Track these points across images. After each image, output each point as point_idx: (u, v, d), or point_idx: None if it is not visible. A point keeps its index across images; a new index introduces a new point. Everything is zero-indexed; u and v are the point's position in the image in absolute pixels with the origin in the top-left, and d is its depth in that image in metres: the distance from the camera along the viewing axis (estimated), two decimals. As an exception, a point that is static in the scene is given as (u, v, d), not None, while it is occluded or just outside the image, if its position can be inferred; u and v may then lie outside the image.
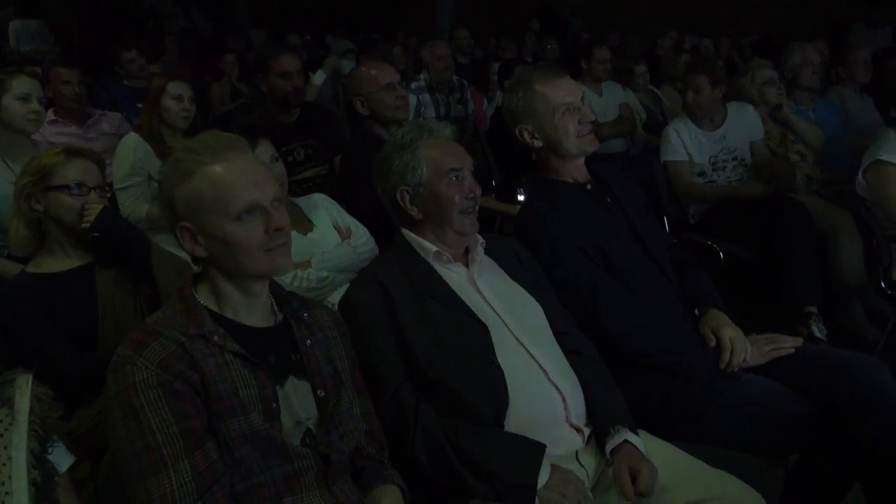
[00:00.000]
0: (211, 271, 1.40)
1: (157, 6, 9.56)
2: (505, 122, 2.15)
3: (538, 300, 1.84)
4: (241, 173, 1.36)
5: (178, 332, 1.31)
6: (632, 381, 1.85)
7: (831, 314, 3.31)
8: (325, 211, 2.43)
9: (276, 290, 1.50)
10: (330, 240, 2.34)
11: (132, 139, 3.16)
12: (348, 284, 1.90)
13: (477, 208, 1.82)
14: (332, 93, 5.68)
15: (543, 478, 1.53)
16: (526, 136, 2.07)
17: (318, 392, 1.41)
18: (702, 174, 3.64)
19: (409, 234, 1.82)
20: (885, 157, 2.85)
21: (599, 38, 6.48)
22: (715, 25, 8.38)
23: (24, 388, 1.27)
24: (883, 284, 2.97)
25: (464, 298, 1.73)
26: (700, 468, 1.63)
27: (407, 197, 1.78)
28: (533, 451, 1.56)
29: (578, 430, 1.68)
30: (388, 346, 1.65)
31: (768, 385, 1.86)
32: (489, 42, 8.31)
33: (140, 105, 4.71)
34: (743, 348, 1.88)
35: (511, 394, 1.63)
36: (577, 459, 1.67)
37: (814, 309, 3.13)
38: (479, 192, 1.81)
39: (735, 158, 3.64)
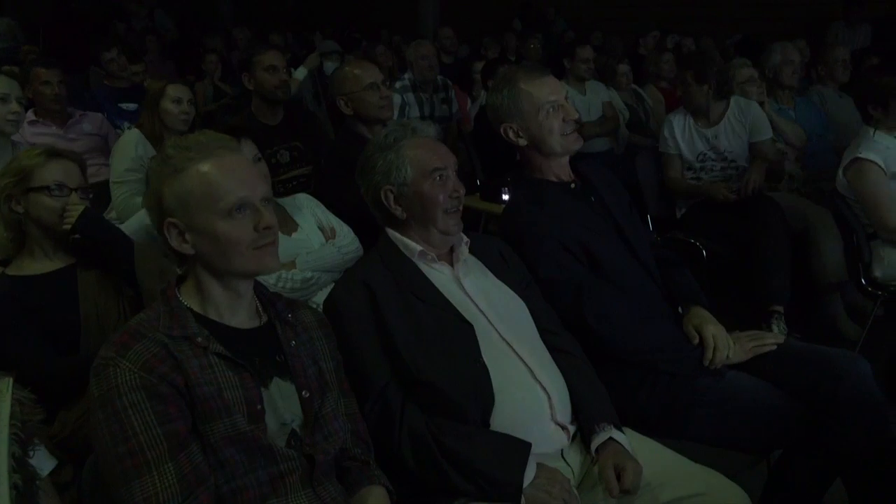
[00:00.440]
0: (197, 270, 1.39)
1: (124, 5, 9.40)
2: (489, 121, 2.16)
3: (523, 299, 1.84)
4: (231, 171, 1.36)
5: (162, 333, 1.30)
6: (616, 378, 1.86)
7: (812, 311, 3.35)
8: (309, 211, 2.43)
9: (261, 291, 1.49)
10: (314, 240, 2.34)
11: (134, 135, 3.14)
12: (333, 285, 1.90)
13: (461, 208, 1.82)
14: (312, 90, 5.65)
15: (529, 476, 1.54)
16: (510, 134, 2.08)
17: (303, 393, 1.41)
18: (690, 169, 3.67)
19: (393, 234, 1.81)
20: (864, 155, 2.88)
21: (582, 37, 6.50)
22: (696, 24, 8.44)
23: (4, 392, 1.26)
24: (863, 281, 3.00)
25: (449, 298, 1.73)
26: (684, 465, 1.65)
27: (391, 197, 1.78)
28: (518, 449, 1.57)
29: (564, 427, 1.69)
30: (374, 347, 1.65)
31: (751, 382, 1.88)
32: (474, 41, 8.31)
33: (122, 105, 4.69)
34: (725, 345, 1.89)
35: (496, 392, 1.63)
36: (563, 457, 1.67)
37: (779, 308, 3.16)
38: (463, 191, 1.81)
39: (724, 159, 3.64)
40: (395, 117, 3.62)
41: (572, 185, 2.11)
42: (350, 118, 2.92)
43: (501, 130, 2.09)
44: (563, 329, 1.89)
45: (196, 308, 1.38)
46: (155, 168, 1.38)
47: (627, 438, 1.68)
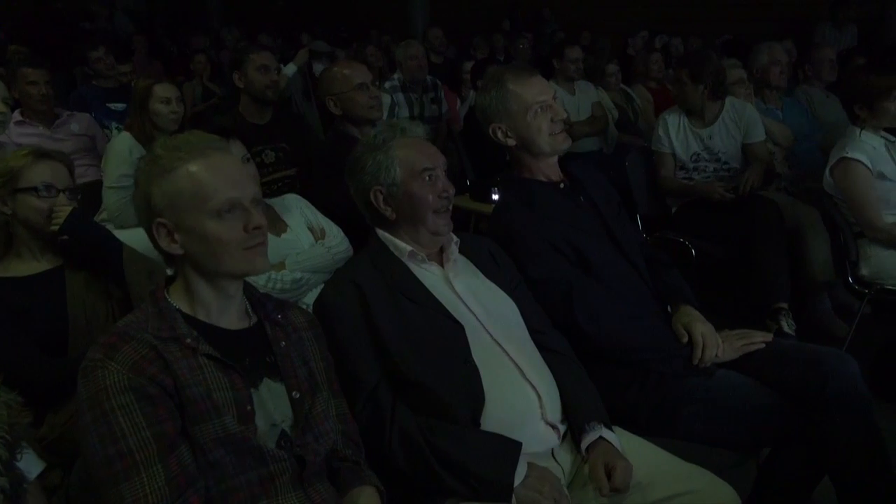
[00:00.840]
0: (186, 271, 1.38)
1: (87, 6, 9.30)
2: (478, 121, 2.16)
3: (513, 298, 1.84)
4: (221, 171, 1.35)
5: (151, 335, 1.29)
6: (606, 377, 1.87)
7: (801, 309, 3.37)
8: (298, 211, 2.42)
9: (250, 292, 1.49)
10: (304, 240, 2.33)
11: (126, 139, 3.11)
12: (323, 285, 1.89)
13: (451, 208, 1.82)
14: (302, 87, 5.63)
15: (520, 475, 1.54)
16: (499, 134, 2.08)
17: (294, 394, 1.41)
18: (683, 169, 3.67)
19: (383, 234, 1.81)
20: (850, 155, 2.90)
21: (571, 37, 6.52)
22: (685, 24, 8.49)
23: (-9, 394, 1.25)
24: (850, 280, 3.02)
25: (439, 298, 1.73)
26: (674, 463, 1.65)
27: (381, 197, 1.78)
28: (509, 449, 1.57)
29: (554, 427, 1.69)
30: (364, 347, 1.64)
31: (740, 380, 1.88)
32: (464, 41, 8.32)
33: (110, 105, 4.66)
34: (715, 344, 1.90)
35: (487, 392, 1.63)
36: (553, 457, 1.68)
37: (784, 305, 3.19)
38: (452, 191, 1.81)
39: (718, 160, 3.64)
40: (384, 117, 3.62)
41: (562, 185, 2.12)
42: (339, 118, 2.92)
43: (490, 131, 2.09)
44: (553, 328, 1.89)
45: (185, 309, 1.37)
46: (144, 168, 1.37)
47: (617, 437, 1.69)
